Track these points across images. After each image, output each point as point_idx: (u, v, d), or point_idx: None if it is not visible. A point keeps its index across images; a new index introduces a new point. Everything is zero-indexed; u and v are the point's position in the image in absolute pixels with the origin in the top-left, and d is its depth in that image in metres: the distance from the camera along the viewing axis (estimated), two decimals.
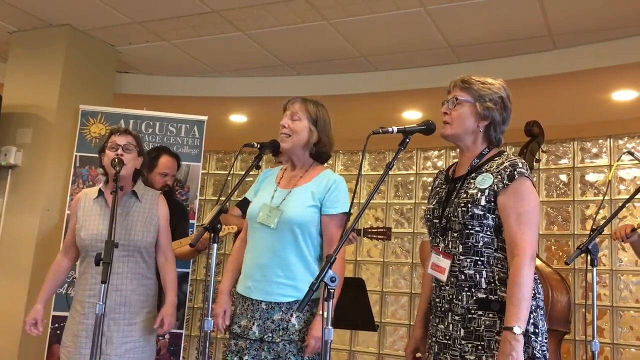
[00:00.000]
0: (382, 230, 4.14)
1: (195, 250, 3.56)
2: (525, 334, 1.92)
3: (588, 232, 2.77)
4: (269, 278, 2.38)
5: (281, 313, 2.34)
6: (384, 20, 4.10)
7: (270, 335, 2.32)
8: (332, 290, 1.76)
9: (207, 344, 2.33)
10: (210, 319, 2.34)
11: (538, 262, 3.67)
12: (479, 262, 2.02)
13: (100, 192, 2.92)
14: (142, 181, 3.33)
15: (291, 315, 2.33)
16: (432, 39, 4.33)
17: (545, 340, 2.00)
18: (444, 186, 2.22)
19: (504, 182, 2.01)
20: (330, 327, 1.76)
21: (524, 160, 2.07)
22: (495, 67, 4.52)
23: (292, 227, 2.39)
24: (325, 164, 2.62)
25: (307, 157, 2.55)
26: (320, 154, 2.56)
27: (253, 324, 2.37)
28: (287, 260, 2.38)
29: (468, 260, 2.03)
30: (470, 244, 2.03)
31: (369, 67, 4.94)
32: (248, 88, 5.32)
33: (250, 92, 5.32)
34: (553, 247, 5.43)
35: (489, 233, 2.03)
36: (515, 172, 2.01)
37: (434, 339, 2.12)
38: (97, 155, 3.01)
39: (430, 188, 2.35)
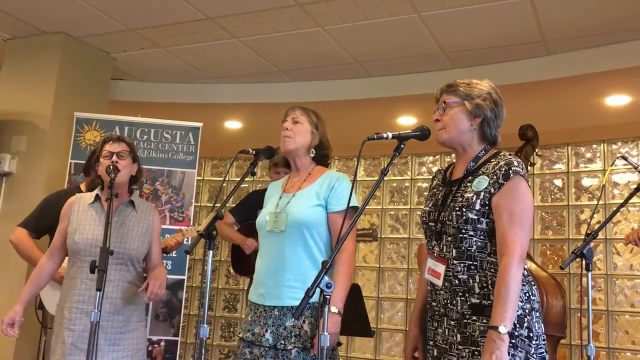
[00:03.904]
0: (367, 232, 4.15)
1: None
2: (519, 337, 1.91)
3: (583, 237, 2.78)
4: (280, 282, 2.38)
5: (293, 320, 2.33)
6: (377, 27, 4.12)
7: (282, 342, 2.31)
8: (327, 297, 1.76)
9: (203, 351, 2.33)
10: (205, 326, 2.33)
11: (533, 266, 3.68)
12: (472, 267, 2.02)
13: (97, 198, 2.90)
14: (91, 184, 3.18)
15: (303, 322, 2.32)
16: (426, 45, 4.35)
17: (543, 343, 1.98)
18: (440, 188, 2.22)
19: (499, 181, 2.00)
20: (326, 333, 1.76)
21: (520, 160, 2.06)
22: (489, 73, 4.47)
23: (300, 228, 2.39)
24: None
25: (309, 160, 2.58)
26: (321, 156, 2.59)
27: (266, 330, 2.36)
28: (297, 262, 2.38)
29: (461, 265, 2.03)
30: (463, 248, 2.03)
31: (364, 73, 4.95)
32: (243, 94, 5.33)
33: (245, 98, 5.33)
34: (548, 251, 5.45)
35: (482, 237, 2.02)
36: (511, 171, 1.99)
37: (432, 342, 2.12)
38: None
39: (429, 187, 2.35)
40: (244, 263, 3.98)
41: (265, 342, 2.34)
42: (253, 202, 4.06)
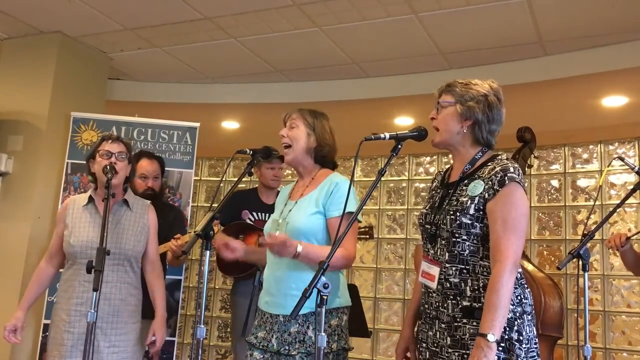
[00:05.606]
0: (363, 229, 4.12)
1: (175, 258, 3.48)
2: (509, 341, 1.91)
3: (579, 237, 2.79)
4: (284, 291, 2.38)
5: (298, 325, 2.34)
6: (375, 27, 4.12)
7: (287, 347, 2.32)
8: (325, 297, 1.76)
9: (200, 351, 2.32)
10: (202, 326, 2.33)
11: (530, 267, 3.68)
12: (465, 271, 2.01)
13: (91, 199, 2.89)
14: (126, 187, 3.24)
15: (307, 328, 2.32)
16: (423, 45, 4.35)
17: (535, 346, 1.98)
18: (439, 190, 2.21)
19: (494, 187, 1.98)
20: (323, 333, 1.76)
21: (516, 165, 2.04)
22: (486, 74, 4.45)
23: (299, 237, 2.37)
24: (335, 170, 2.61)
25: (311, 163, 2.55)
26: (322, 158, 2.56)
27: (272, 336, 2.37)
28: (299, 272, 2.36)
29: (453, 268, 2.02)
30: (456, 252, 2.03)
31: (361, 73, 4.95)
32: (240, 94, 5.32)
33: (242, 98, 5.33)
34: (545, 252, 5.46)
35: (475, 242, 2.01)
36: (506, 178, 1.98)
37: (424, 345, 2.12)
38: None
39: (429, 188, 2.34)
40: (230, 262, 3.93)
41: (271, 348, 2.35)
42: (237, 203, 4.03)
